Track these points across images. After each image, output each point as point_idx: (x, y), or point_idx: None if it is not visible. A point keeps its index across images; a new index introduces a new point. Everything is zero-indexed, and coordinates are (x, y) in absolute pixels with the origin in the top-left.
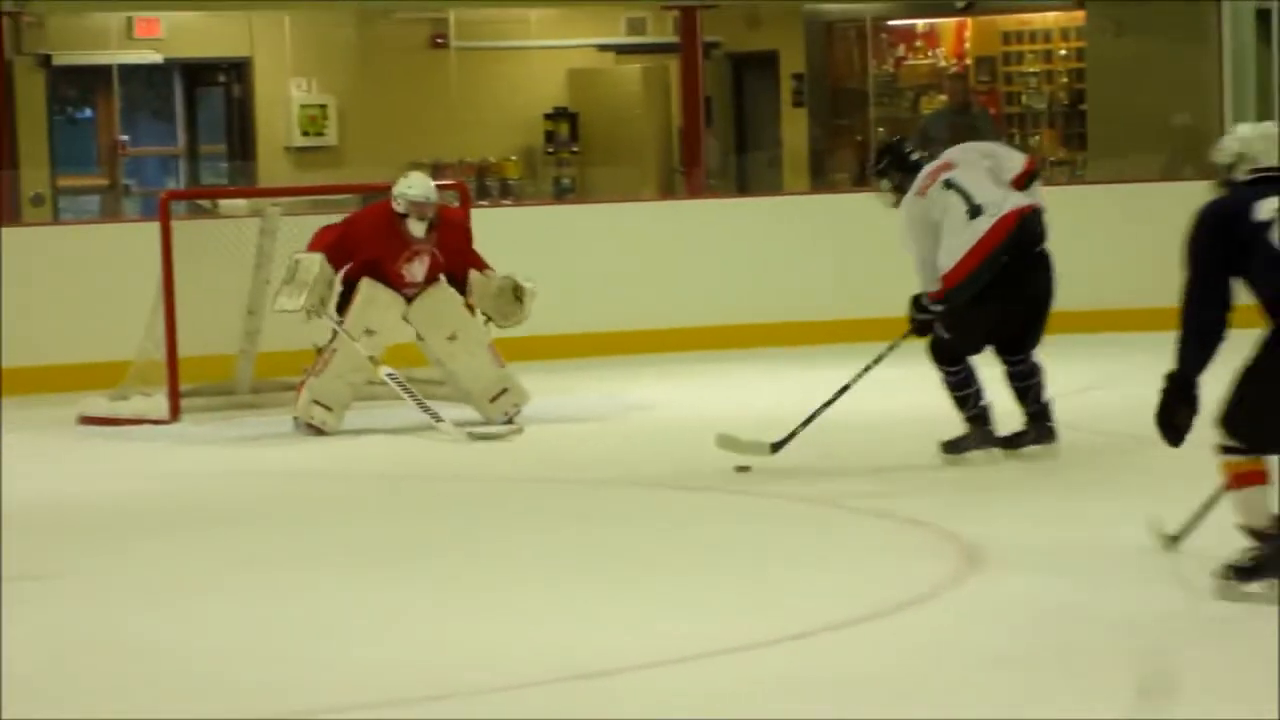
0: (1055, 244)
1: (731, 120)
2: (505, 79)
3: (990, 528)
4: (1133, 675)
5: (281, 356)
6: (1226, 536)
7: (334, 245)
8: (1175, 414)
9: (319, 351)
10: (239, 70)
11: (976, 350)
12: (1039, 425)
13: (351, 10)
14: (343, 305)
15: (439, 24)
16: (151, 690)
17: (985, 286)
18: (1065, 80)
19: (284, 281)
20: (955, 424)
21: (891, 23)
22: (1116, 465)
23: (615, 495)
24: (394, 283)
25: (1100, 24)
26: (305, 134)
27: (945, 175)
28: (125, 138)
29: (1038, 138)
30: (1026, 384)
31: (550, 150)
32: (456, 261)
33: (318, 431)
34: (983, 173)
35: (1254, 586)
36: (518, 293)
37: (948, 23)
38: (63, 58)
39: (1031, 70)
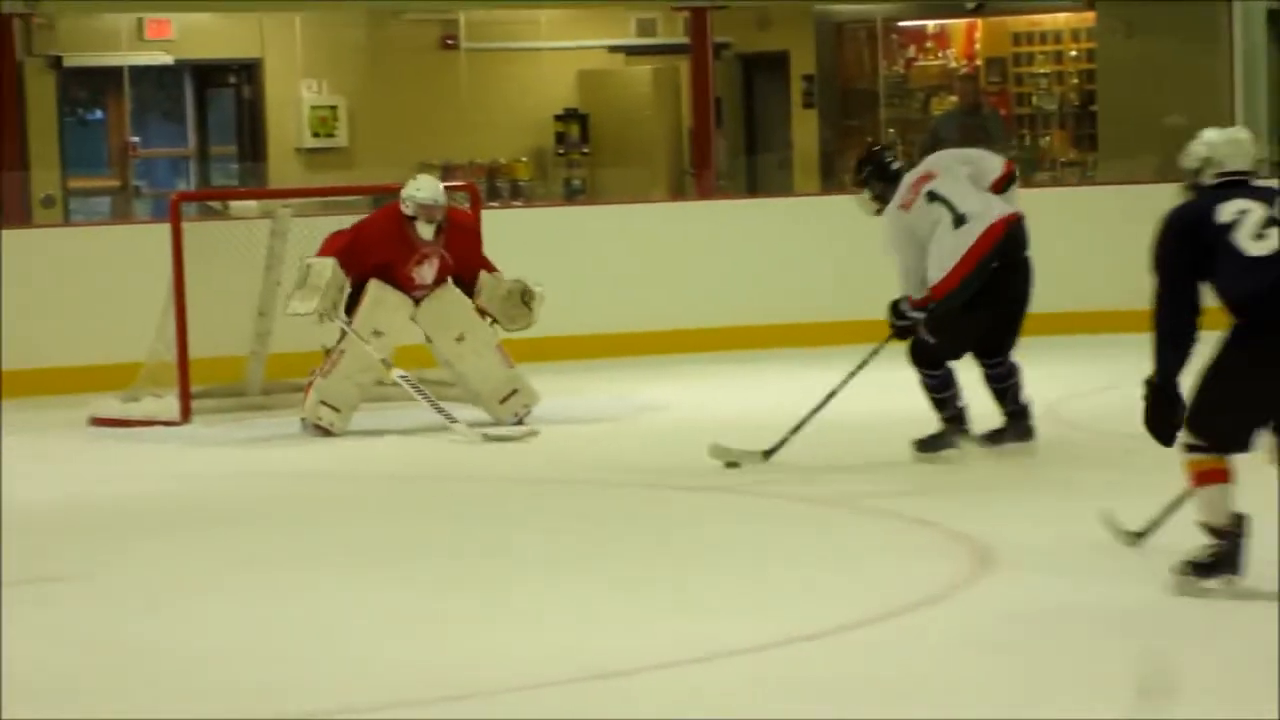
0: (1066, 244)
1: (742, 121)
2: (515, 80)
3: (992, 527)
4: (1133, 675)
5: (292, 358)
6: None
7: (345, 250)
8: (1161, 417)
9: (327, 353)
10: (249, 71)
11: (959, 356)
12: (1018, 424)
13: (362, 11)
14: (350, 307)
15: (449, 25)
16: (153, 691)
17: (974, 294)
18: (1076, 81)
19: (296, 285)
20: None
21: (902, 24)
22: (1123, 465)
23: (624, 496)
24: (404, 286)
25: (1110, 25)
26: (316, 135)
27: (928, 187)
28: (136, 139)
29: (1048, 139)
30: (1005, 385)
31: (560, 151)
32: (465, 264)
33: (325, 432)
34: (964, 180)
35: (1211, 583)
36: (526, 297)
37: (958, 24)
38: (73, 59)
39: (1042, 71)
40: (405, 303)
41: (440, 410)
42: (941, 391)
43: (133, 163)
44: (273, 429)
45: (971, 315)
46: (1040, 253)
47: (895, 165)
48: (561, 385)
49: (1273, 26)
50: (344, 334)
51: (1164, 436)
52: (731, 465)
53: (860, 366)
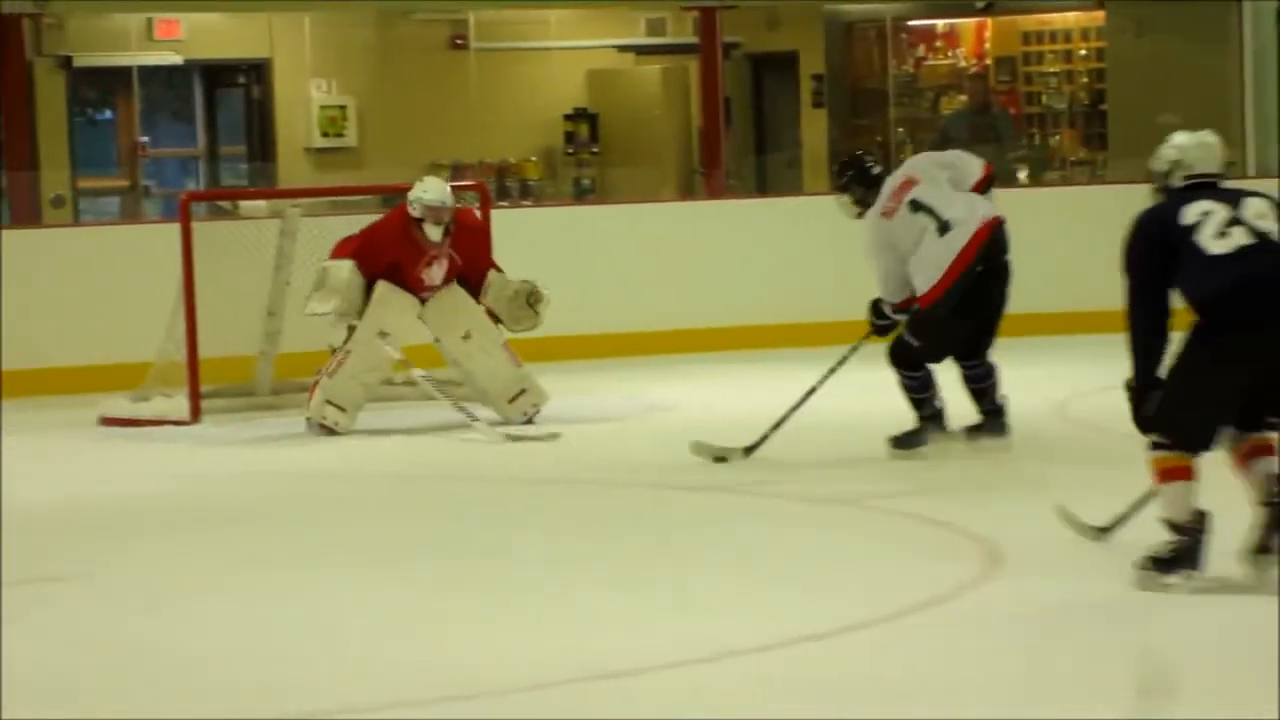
0: (1076, 243)
1: (751, 121)
2: (525, 80)
3: (998, 526)
4: (1133, 675)
5: (301, 358)
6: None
7: (356, 254)
8: (1147, 416)
9: (333, 352)
10: (259, 71)
11: (940, 359)
12: (994, 422)
13: (371, 11)
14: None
15: (458, 25)
16: (153, 691)
17: (959, 300)
18: (1085, 80)
19: (314, 288)
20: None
21: (911, 23)
22: (1129, 464)
23: (629, 496)
24: (413, 287)
25: (1120, 24)
26: (325, 135)
27: (910, 195)
28: (145, 139)
29: (1058, 138)
30: (982, 385)
31: (570, 151)
32: (472, 264)
33: (330, 432)
34: (944, 185)
35: (1172, 578)
36: (532, 299)
37: (968, 23)
38: (83, 59)
39: (1051, 70)
40: (411, 303)
41: (463, 410)
42: (921, 392)
43: (142, 163)
44: (281, 429)
45: (955, 320)
46: (1050, 252)
47: (876, 170)
48: (570, 385)
49: None
50: (350, 334)
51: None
52: (719, 460)
53: (839, 363)
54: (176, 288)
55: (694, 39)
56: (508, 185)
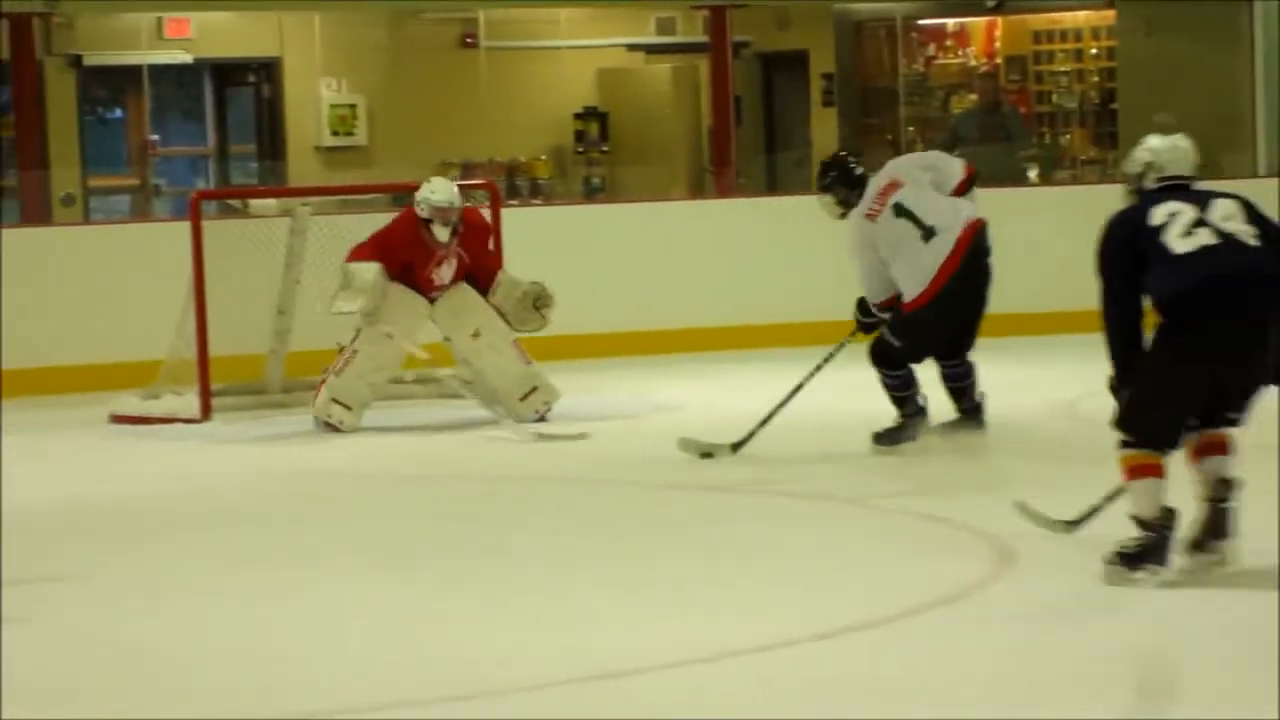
0: (1087, 242)
1: (761, 120)
2: (535, 78)
3: (1004, 526)
4: (1133, 675)
5: (311, 356)
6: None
7: (374, 258)
8: None
9: (340, 350)
10: (269, 70)
11: (921, 360)
12: (972, 419)
13: (381, 10)
14: None
15: (469, 24)
16: (153, 690)
17: (943, 302)
18: (1096, 79)
19: (340, 287)
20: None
21: (922, 22)
22: None
23: (634, 495)
24: (423, 288)
25: (1131, 23)
26: (335, 134)
27: (894, 198)
28: (155, 138)
29: (1068, 137)
30: (962, 384)
31: (580, 150)
32: (480, 263)
33: (335, 430)
34: (928, 188)
35: (1139, 574)
36: (540, 302)
37: (978, 22)
38: (93, 58)
39: (1062, 69)
40: (418, 303)
41: (491, 408)
42: (902, 391)
43: (152, 161)
44: (291, 427)
45: (937, 321)
46: (1060, 251)
47: (859, 171)
48: (579, 383)
49: None
50: (359, 333)
51: None
52: (706, 455)
53: (826, 360)
54: (187, 286)
55: (704, 38)
56: (518, 184)
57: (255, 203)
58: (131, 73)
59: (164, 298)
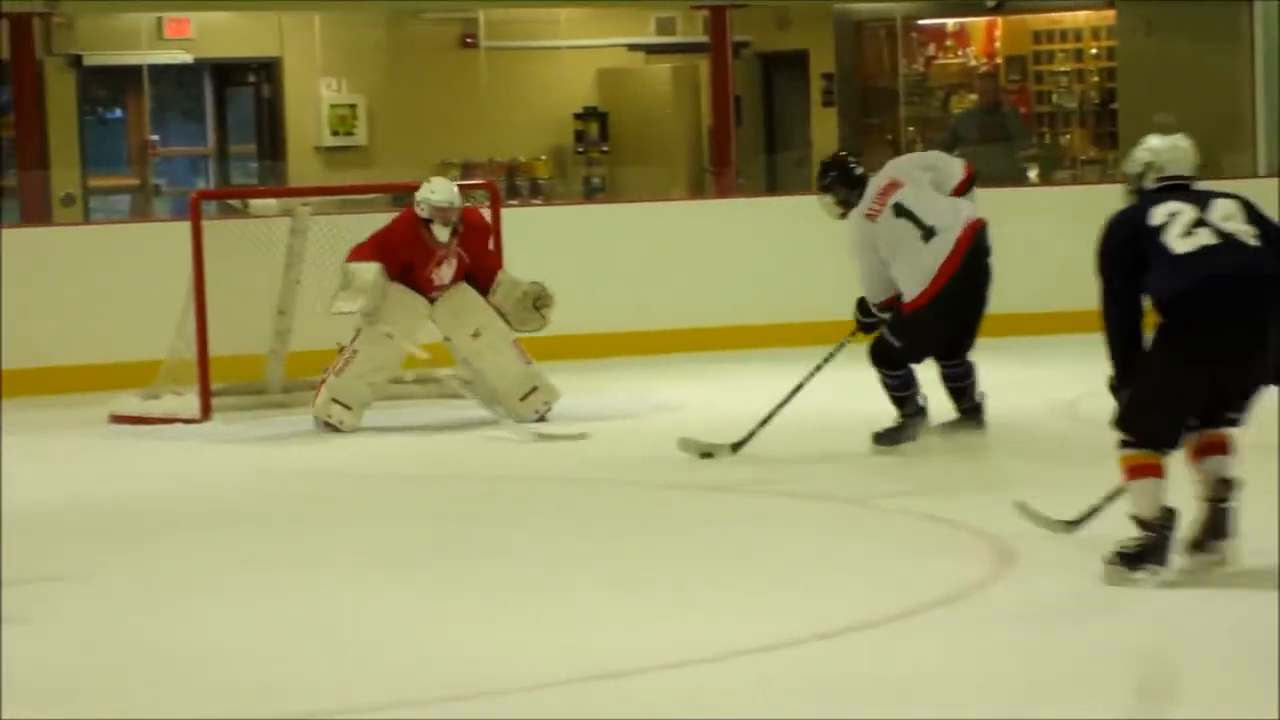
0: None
1: (761, 120)
2: (535, 78)
3: (1006, 526)
4: (1133, 675)
5: (312, 356)
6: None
7: (374, 258)
8: None
9: (340, 350)
10: (269, 70)
11: (921, 360)
12: (972, 418)
13: (381, 10)
14: None
15: (469, 24)
16: (153, 690)
17: (943, 302)
18: (1096, 79)
19: (340, 287)
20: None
21: (921, 22)
22: None
23: (634, 495)
24: (423, 288)
25: (1131, 23)
26: (335, 134)
27: (894, 197)
28: (155, 138)
29: (1068, 137)
30: (962, 384)
31: (580, 150)
32: (480, 263)
33: (335, 429)
34: (928, 188)
35: (1139, 574)
36: (539, 302)
37: (978, 22)
38: (93, 58)
39: (1062, 69)
40: (418, 303)
41: (491, 408)
42: (902, 390)
43: (152, 161)
44: (291, 427)
45: (937, 321)
46: (1060, 251)
47: (859, 171)
48: (579, 383)
49: None
50: (359, 333)
51: None
52: (706, 455)
53: (825, 360)
54: (187, 286)
55: (704, 38)
56: (518, 184)
57: (255, 203)
58: (131, 73)
59: (164, 298)
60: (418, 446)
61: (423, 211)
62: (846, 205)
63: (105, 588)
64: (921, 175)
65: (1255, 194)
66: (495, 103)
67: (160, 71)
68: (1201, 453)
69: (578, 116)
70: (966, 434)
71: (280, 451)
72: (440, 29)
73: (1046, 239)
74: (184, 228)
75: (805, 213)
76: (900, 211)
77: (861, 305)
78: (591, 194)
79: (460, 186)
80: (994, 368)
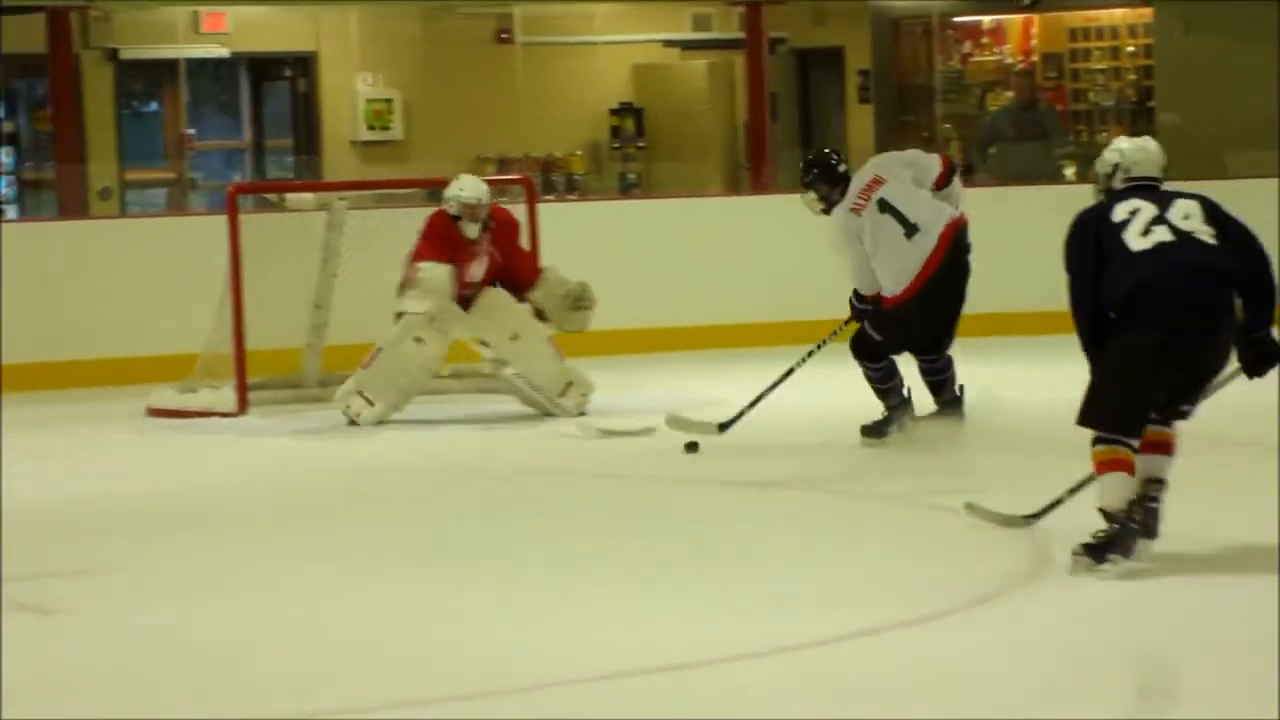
0: None
1: (797, 116)
2: (571, 74)
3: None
4: (1133, 675)
5: (348, 350)
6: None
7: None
8: None
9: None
10: (305, 64)
11: (900, 352)
12: (951, 411)
13: (417, 5)
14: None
15: (504, 19)
16: (159, 688)
17: (925, 298)
18: (1133, 77)
19: (405, 286)
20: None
21: (958, 19)
22: None
23: (666, 491)
24: (458, 287)
25: (1169, 21)
26: (371, 128)
27: (879, 193)
28: (192, 131)
29: (1105, 134)
30: (941, 378)
31: (616, 145)
32: (511, 260)
33: (352, 422)
34: (909, 184)
35: (1105, 565)
36: (580, 302)
37: (1015, 19)
38: (130, 52)
39: (1099, 67)
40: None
41: (554, 408)
42: (885, 383)
43: (188, 155)
44: (327, 421)
45: (921, 316)
46: None
47: (842, 169)
48: (615, 379)
49: None
50: (401, 328)
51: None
52: (691, 446)
53: (818, 347)
54: (223, 280)
55: (740, 34)
56: (553, 179)
57: (291, 197)
58: (168, 66)
59: (200, 291)
60: (462, 441)
61: (452, 209)
62: (829, 202)
63: (135, 580)
64: (903, 172)
65: None
66: (531, 98)
67: (197, 65)
68: (1143, 450)
69: (613, 112)
70: (950, 425)
71: (316, 445)
72: (476, 24)
73: None
74: (220, 221)
75: None
76: (884, 207)
77: (857, 297)
78: (627, 190)
79: (496, 182)
80: (1026, 365)
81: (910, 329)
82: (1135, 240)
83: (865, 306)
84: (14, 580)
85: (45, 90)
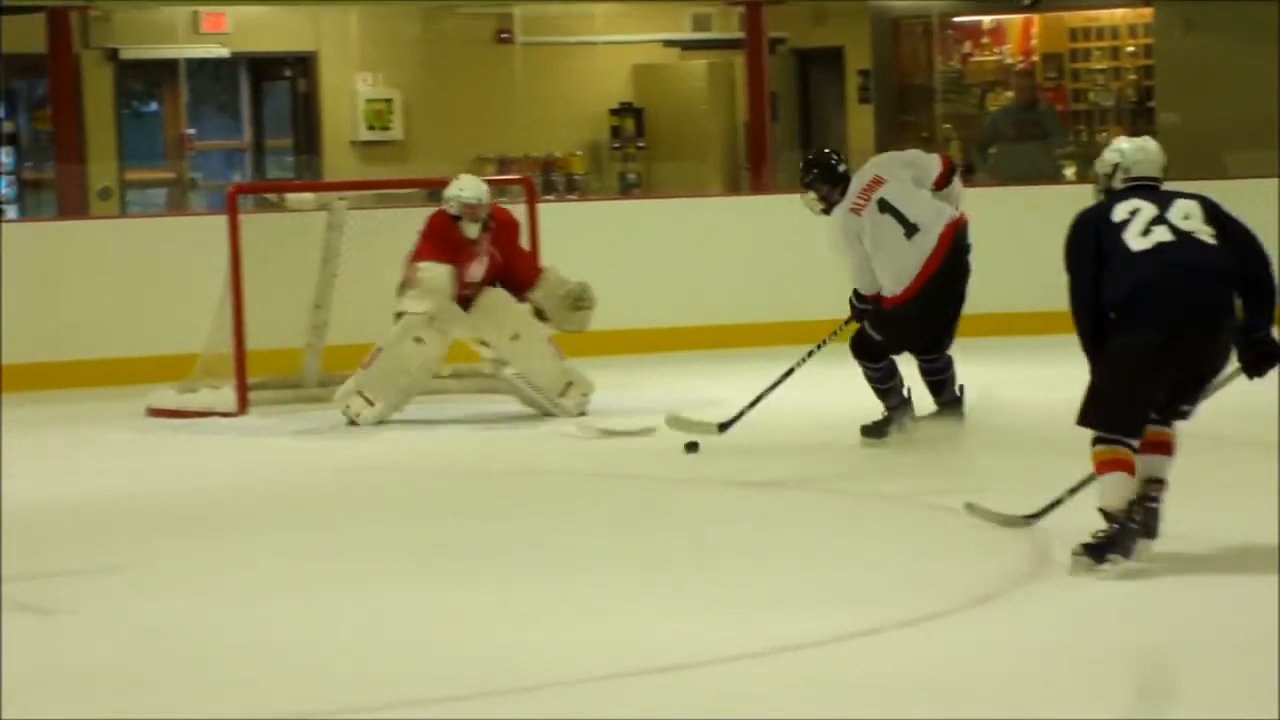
0: None
1: (797, 116)
2: (570, 74)
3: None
4: (1133, 675)
5: (348, 350)
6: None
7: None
8: None
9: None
10: (305, 64)
11: (899, 351)
12: (951, 411)
13: (417, 5)
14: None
15: (504, 19)
16: (157, 685)
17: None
18: (1133, 77)
19: (406, 286)
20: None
21: (958, 19)
22: None
23: (665, 491)
24: (458, 287)
25: (1169, 21)
26: (371, 128)
27: (879, 193)
28: (191, 131)
29: (1105, 134)
30: (940, 378)
31: (616, 145)
32: (511, 260)
33: (351, 422)
34: (909, 184)
35: (1105, 565)
36: (580, 302)
37: (1015, 19)
38: (130, 52)
39: (1099, 67)
40: (455, 310)
41: (554, 408)
42: (885, 383)
43: (188, 155)
44: (327, 421)
45: (921, 316)
46: None
47: (841, 169)
48: (615, 379)
49: None
50: (399, 329)
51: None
52: (691, 447)
53: (818, 347)
54: (223, 280)
55: (740, 34)
56: (553, 180)
57: (292, 197)
58: (168, 66)
59: (200, 291)
60: (461, 441)
61: (452, 209)
62: (829, 202)
63: (136, 580)
64: (903, 172)
65: None
66: (531, 98)
67: (197, 65)
68: (1143, 450)
69: (613, 112)
70: (950, 425)
71: (316, 446)
72: (476, 24)
73: None
74: (220, 221)
75: None
76: (884, 207)
77: (857, 297)
78: (627, 190)
79: (496, 182)
80: (1030, 366)
81: (910, 329)
82: (1135, 240)
83: (865, 306)
84: (14, 580)
85: (45, 90)
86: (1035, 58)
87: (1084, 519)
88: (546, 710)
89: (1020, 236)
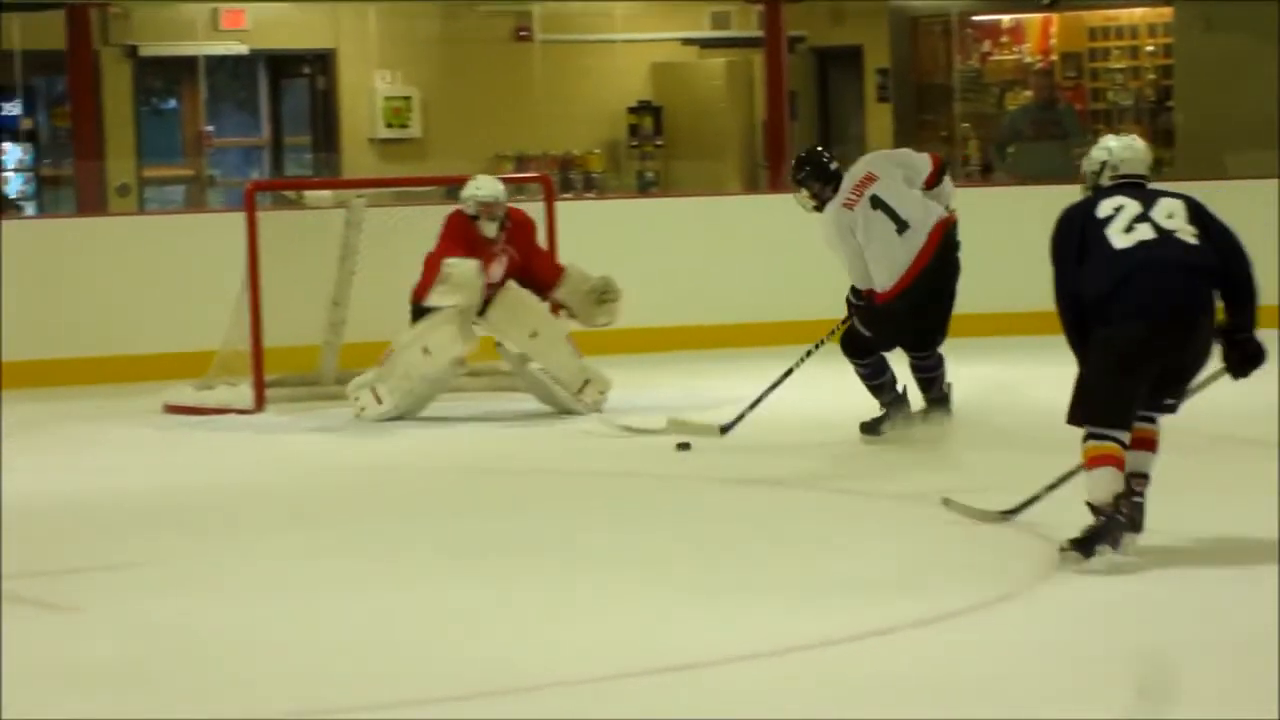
0: None
1: (816, 115)
2: (589, 72)
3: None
4: (1132, 675)
5: (366, 348)
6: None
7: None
8: None
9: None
10: (323, 62)
11: (890, 348)
12: (939, 407)
13: (436, 3)
14: (417, 316)
15: (523, 17)
16: (156, 684)
17: (914, 295)
18: (1152, 77)
19: (438, 282)
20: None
21: (977, 18)
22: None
23: (683, 490)
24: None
25: (1189, 20)
26: (389, 126)
27: (871, 190)
28: (210, 128)
29: (1123, 134)
30: (930, 375)
31: (634, 144)
32: (529, 259)
33: (358, 414)
34: (901, 183)
35: (1093, 558)
36: (605, 296)
37: (1034, 18)
38: (149, 49)
39: (1118, 66)
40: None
41: (573, 405)
42: (876, 379)
43: (207, 152)
44: (344, 419)
45: (910, 313)
46: None
47: (833, 166)
48: (633, 378)
49: None
50: (417, 327)
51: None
52: (683, 447)
53: (817, 346)
54: (241, 277)
55: (759, 32)
56: (571, 178)
57: (310, 194)
58: (187, 63)
59: (218, 288)
60: (480, 439)
61: (469, 209)
62: (821, 200)
63: (144, 577)
64: (895, 170)
65: None
66: (549, 96)
67: (215, 62)
68: (1129, 446)
69: (632, 110)
70: (940, 423)
71: (333, 443)
72: (494, 22)
73: None
74: (238, 218)
75: None
76: (876, 203)
77: (854, 293)
78: (645, 188)
79: (514, 180)
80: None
81: (901, 325)
82: (1118, 237)
83: (862, 302)
84: (22, 576)
85: (64, 87)
86: (1054, 57)
87: (1083, 519)
88: (546, 710)
89: (1039, 236)
